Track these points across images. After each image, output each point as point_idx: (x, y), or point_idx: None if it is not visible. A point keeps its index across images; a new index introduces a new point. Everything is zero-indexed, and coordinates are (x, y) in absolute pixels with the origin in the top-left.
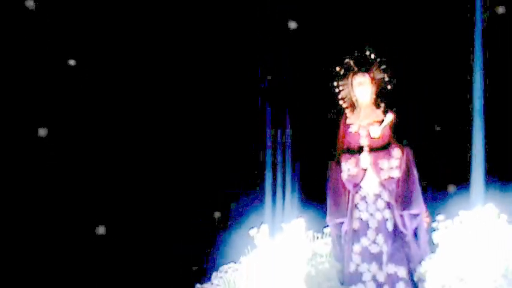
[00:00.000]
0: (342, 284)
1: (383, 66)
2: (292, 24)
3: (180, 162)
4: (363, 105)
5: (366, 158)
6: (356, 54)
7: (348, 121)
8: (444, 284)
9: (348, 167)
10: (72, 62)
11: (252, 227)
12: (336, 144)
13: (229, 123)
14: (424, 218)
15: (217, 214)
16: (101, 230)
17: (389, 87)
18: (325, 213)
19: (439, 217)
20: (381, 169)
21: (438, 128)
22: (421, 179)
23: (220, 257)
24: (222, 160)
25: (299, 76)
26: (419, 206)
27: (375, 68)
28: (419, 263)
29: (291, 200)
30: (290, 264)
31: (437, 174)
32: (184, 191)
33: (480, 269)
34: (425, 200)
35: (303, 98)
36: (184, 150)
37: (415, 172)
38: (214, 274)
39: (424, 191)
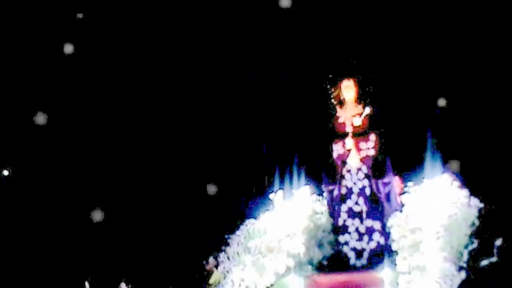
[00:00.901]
0: (333, 233)
1: (363, 74)
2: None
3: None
4: (348, 102)
5: (349, 141)
6: (344, 64)
7: (338, 114)
8: (402, 234)
9: (337, 148)
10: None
11: (272, 192)
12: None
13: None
14: (398, 185)
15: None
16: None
17: (367, 88)
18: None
19: (409, 183)
20: (361, 149)
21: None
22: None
23: (249, 215)
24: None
25: (302, 81)
26: (389, 176)
27: (357, 75)
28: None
29: (299, 174)
30: (295, 219)
31: (409, 153)
32: (232, 172)
33: (429, 223)
34: (399, 171)
35: (307, 100)
36: (224, 144)
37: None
38: (240, 227)
39: (399, 165)
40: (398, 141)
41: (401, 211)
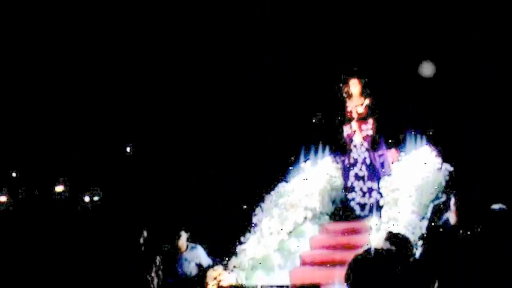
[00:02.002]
0: (344, 192)
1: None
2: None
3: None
4: (354, 95)
5: (354, 124)
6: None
7: (347, 105)
8: (387, 193)
9: (346, 130)
10: None
11: (303, 161)
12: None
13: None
14: (395, 155)
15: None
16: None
17: (367, 84)
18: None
19: (402, 154)
20: (362, 130)
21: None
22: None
23: (283, 179)
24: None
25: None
26: (382, 149)
27: (360, 75)
28: None
29: (323, 148)
30: (316, 181)
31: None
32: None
33: (406, 184)
34: (396, 144)
35: (326, 96)
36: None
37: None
38: (275, 188)
39: (396, 140)
40: (394, 122)
41: (390, 175)
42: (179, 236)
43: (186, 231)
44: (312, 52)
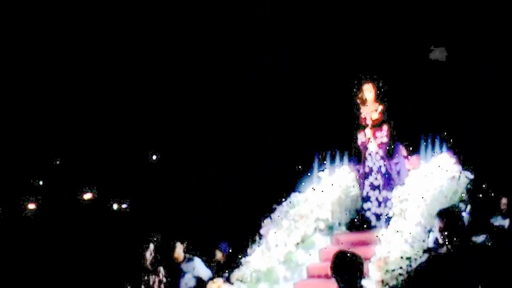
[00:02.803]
0: (360, 201)
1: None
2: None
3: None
4: (368, 101)
5: (369, 131)
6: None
7: (361, 111)
8: (396, 204)
9: (360, 137)
10: None
11: (320, 170)
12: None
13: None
14: (417, 163)
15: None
16: None
17: (382, 90)
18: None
19: (422, 161)
20: (377, 137)
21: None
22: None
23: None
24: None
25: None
26: (398, 157)
27: (374, 80)
28: None
29: (340, 158)
30: (331, 191)
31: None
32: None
33: (416, 194)
34: (416, 151)
35: (342, 103)
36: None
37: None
38: (287, 198)
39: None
40: (413, 129)
41: (403, 184)
42: (174, 247)
43: (182, 242)
44: (328, 56)
